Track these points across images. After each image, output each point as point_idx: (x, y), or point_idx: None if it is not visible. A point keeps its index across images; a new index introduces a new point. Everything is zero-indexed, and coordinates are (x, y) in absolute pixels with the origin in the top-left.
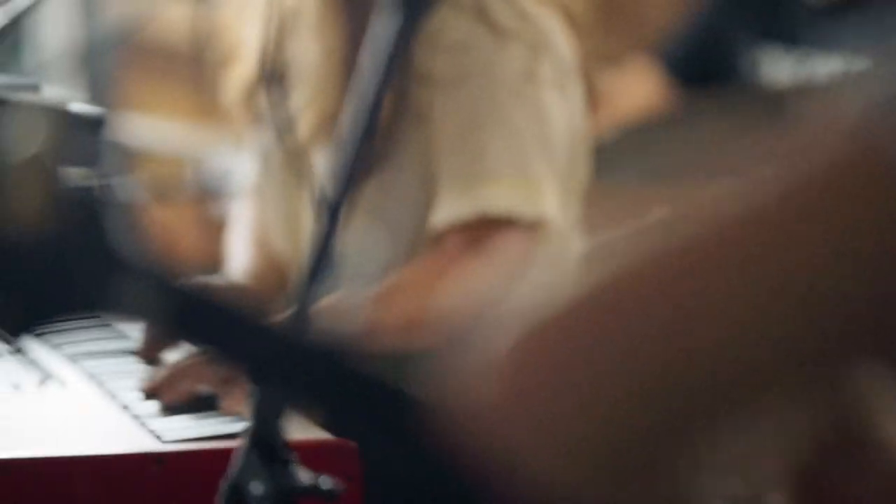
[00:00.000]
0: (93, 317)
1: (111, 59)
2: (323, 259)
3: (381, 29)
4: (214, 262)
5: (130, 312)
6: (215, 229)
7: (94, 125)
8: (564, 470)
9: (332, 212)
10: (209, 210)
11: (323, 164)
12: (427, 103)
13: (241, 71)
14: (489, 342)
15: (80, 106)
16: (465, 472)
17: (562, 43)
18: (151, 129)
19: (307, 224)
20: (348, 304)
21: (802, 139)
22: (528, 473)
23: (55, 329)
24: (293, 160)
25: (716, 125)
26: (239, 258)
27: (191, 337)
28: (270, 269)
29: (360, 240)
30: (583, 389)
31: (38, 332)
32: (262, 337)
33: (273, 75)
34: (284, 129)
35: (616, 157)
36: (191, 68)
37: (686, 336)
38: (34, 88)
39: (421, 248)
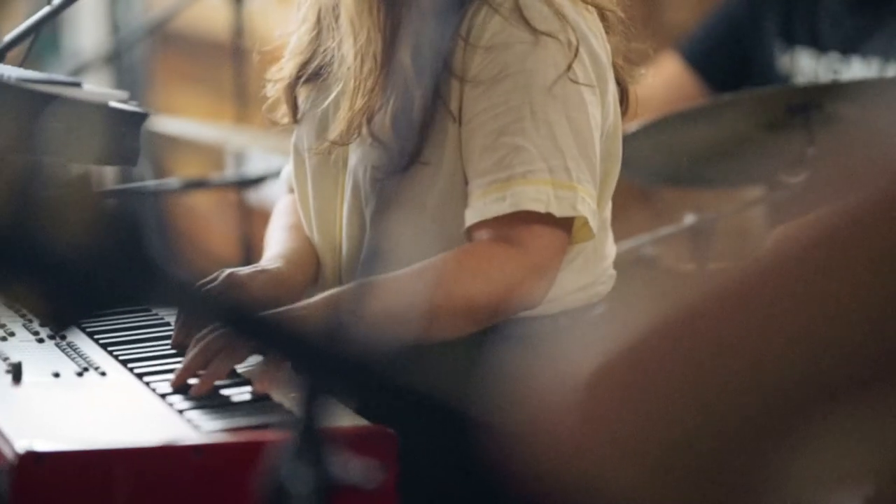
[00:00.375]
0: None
1: (142, 53)
2: (373, 255)
3: (423, 29)
4: (248, 250)
5: (170, 306)
6: (250, 219)
7: (135, 121)
8: (643, 494)
9: (380, 208)
10: (245, 202)
11: (358, 160)
12: (463, 101)
13: (285, 67)
14: (567, 369)
15: (122, 102)
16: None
17: (597, 42)
18: (187, 123)
19: (342, 219)
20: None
21: (853, 166)
22: (606, 497)
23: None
24: (329, 156)
25: (745, 126)
26: (276, 244)
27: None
28: (306, 254)
29: (395, 236)
30: (660, 415)
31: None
32: (307, 347)
33: (312, 72)
34: (322, 123)
35: (644, 157)
36: (226, 61)
37: (760, 359)
38: (76, 85)
39: (455, 244)
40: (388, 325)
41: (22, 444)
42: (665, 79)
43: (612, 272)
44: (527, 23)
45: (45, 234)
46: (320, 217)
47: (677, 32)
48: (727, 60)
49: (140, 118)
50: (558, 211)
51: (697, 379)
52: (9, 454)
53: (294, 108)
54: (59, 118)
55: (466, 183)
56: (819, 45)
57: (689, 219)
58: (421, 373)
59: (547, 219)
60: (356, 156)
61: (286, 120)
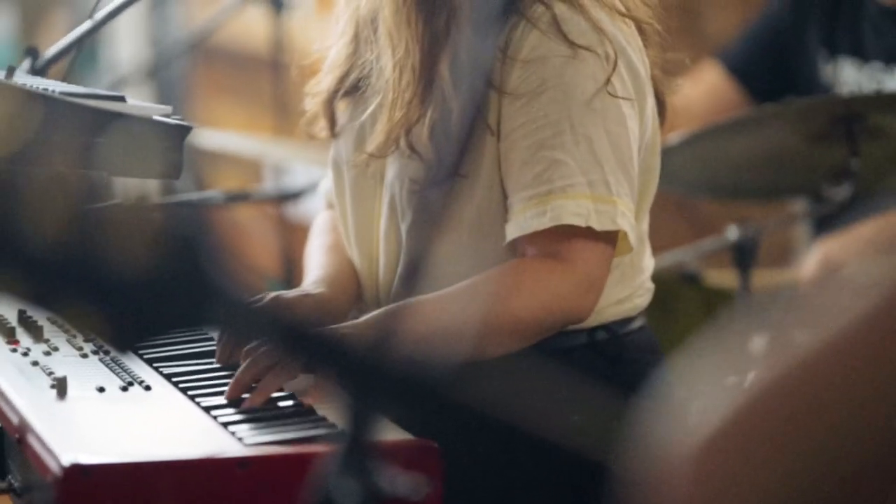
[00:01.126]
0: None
1: (181, 66)
2: (410, 270)
3: (462, 41)
4: (289, 264)
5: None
6: (290, 233)
7: (179, 134)
8: None
9: (428, 223)
10: (285, 215)
11: (395, 174)
12: (501, 114)
13: (324, 80)
14: (678, 439)
15: (165, 116)
16: None
17: (636, 55)
18: (225, 135)
19: (380, 234)
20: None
21: None
22: None
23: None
24: (367, 170)
25: (788, 137)
26: (318, 267)
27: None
28: (347, 276)
29: (432, 250)
30: (774, 484)
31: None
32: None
33: (351, 85)
34: (360, 136)
35: (686, 169)
36: (265, 74)
37: (877, 409)
38: (120, 100)
39: (491, 258)
40: (435, 345)
41: (67, 458)
42: (706, 88)
43: (650, 285)
44: (565, 36)
45: (104, 254)
46: (358, 231)
47: (716, 42)
48: (769, 69)
49: (183, 131)
50: (598, 225)
51: (815, 435)
52: (54, 468)
53: (332, 121)
54: (106, 133)
55: (504, 197)
56: (862, 54)
57: (732, 232)
58: (466, 388)
59: (588, 233)
60: (393, 169)
61: (324, 134)
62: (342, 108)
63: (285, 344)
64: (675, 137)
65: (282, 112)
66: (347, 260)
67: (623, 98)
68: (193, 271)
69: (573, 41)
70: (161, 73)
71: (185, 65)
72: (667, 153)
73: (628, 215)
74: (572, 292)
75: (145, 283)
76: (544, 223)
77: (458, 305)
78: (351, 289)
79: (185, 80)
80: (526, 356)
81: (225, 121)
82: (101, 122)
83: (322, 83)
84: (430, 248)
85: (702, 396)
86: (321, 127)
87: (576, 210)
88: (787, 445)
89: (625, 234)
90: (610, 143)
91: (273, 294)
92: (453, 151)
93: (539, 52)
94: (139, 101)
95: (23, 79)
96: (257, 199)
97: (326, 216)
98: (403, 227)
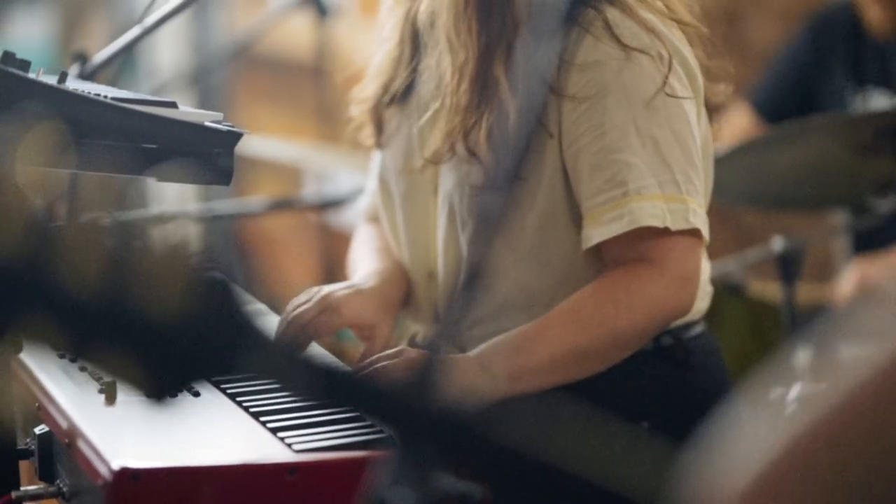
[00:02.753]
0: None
1: (223, 75)
2: (473, 279)
3: (524, 49)
4: (331, 272)
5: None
6: (332, 241)
7: (230, 141)
8: None
9: (479, 229)
10: (327, 223)
11: (455, 183)
12: (562, 119)
13: (368, 87)
14: (727, 476)
15: (216, 122)
16: None
17: (690, 56)
18: (266, 142)
19: (437, 245)
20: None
21: None
22: None
23: None
24: (419, 176)
25: (833, 149)
26: (367, 262)
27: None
28: (398, 273)
29: (496, 258)
30: None
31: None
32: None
33: (397, 92)
34: (411, 144)
35: (732, 179)
36: (305, 80)
37: None
38: (171, 106)
39: (554, 264)
40: (537, 375)
41: (117, 462)
42: (737, 130)
43: (710, 288)
44: (617, 40)
45: (140, 302)
46: (413, 243)
47: (759, 50)
48: (798, 106)
49: (235, 138)
50: (673, 224)
51: (865, 473)
52: (104, 472)
53: (379, 130)
54: (158, 139)
55: (567, 201)
56: (892, 84)
57: (777, 243)
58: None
59: (667, 231)
60: (452, 179)
61: (371, 142)
62: (388, 118)
63: (331, 395)
64: (721, 148)
65: (325, 119)
66: (396, 260)
67: (682, 97)
68: (228, 318)
69: (626, 44)
70: (202, 79)
71: (227, 71)
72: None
73: (700, 212)
74: (669, 293)
75: (180, 331)
76: (623, 227)
77: (555, 334)
78: (402, 284)
79: (226, 86)
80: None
81: (266, 127)
82: (153, 128)
83: (367, 89)
84: (491, 254)
85: (752, 424)
86: (367, 135)
87: (652, 211)
88: (835, 480)
89: (699, 230)
90: (676, 142)
91: (323, 292)
92: (511, 154)
93: (594, 56)
94: (190, 108)
95: (74, 84)
96: (300, 206)
97: (369, 230)
98: (464, 237)
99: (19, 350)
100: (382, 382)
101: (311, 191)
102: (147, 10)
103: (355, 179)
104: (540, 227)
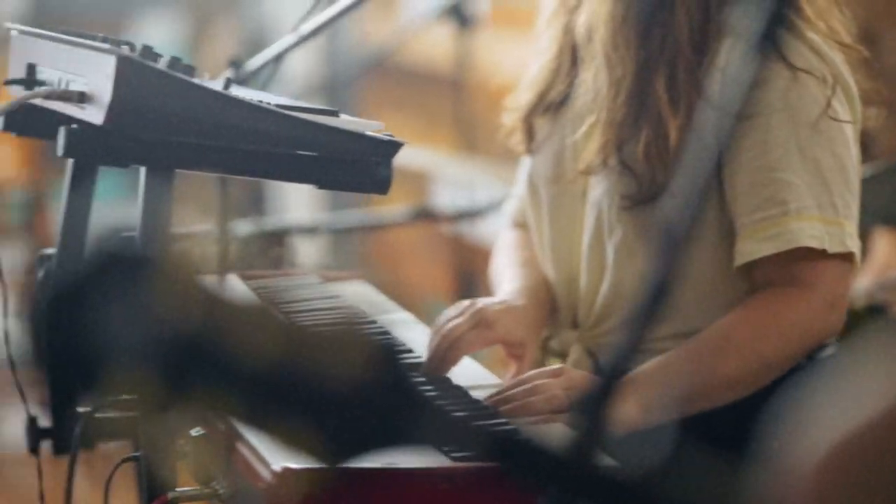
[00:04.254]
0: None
1: (358, 85)
2: (617, 288)
3: (678, 61)
4: (467, 285)
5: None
6: (468, 253)
7: (389, 150)
8: None
9: (674, 248)
10: (463, 234)
11: (604, 191)
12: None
13: (523, 96)
14: (796, 456)
15: (376, 131)
16: None
17: (850, 79)
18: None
19: (582, 252)
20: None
21: None
22: None
23: None
24: (569, 184)
25: None
26: (515, 278)
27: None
28: (544, 290)
29: (640, 268)
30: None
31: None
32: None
33: (550, 102)
34: (563, 153)
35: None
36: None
37: None
38: (333, 114)
39: (702, 273)
40: (687, 403)
41: (279, 463)
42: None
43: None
44: (784, 59)
45: (317, 373)
46: (557, 249)
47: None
48: None
49: (394, 147)
50: (830, 247)
51: None
52: (265, 474)
53: (530, 137)
54: (320, 147)
55: (717, 217)
56: None
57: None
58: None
59: (823, 254)
60: (602, 187)
61: (520, 148)
62: (540, 125)
63: (502, 460)
64: (864, 171)
65: (462, 129)
66: (543, 275)
67: (844, 121)
68: (398, 388)
69: (792, 63)
70: (333, 88)
71: (358, 79)
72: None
73: (854, 236)
74: (818, 317)
75: (353, 401)
76: (781, 246)
77: (712, 361)
78: (548, 303)
79: (357, 94)
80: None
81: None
82: (316, 135)
83: (521, 98)
84: (636, 265)
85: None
86: (517, 141)
87: (811, 232)
88: None
89: (853, 254)
90: (836, 164)
91: (478, 305)
92: (666, 168)
93: (761, 74)
94: (351, 117)
95: (238, 91)
96: (437, 217)
97: (515, 235)
98: (611, 245)
99: (196, 417)
100: (554, 437)
101: (444, 201)
102: (303, 19)
103: (491, 191)
104: (686, 240)
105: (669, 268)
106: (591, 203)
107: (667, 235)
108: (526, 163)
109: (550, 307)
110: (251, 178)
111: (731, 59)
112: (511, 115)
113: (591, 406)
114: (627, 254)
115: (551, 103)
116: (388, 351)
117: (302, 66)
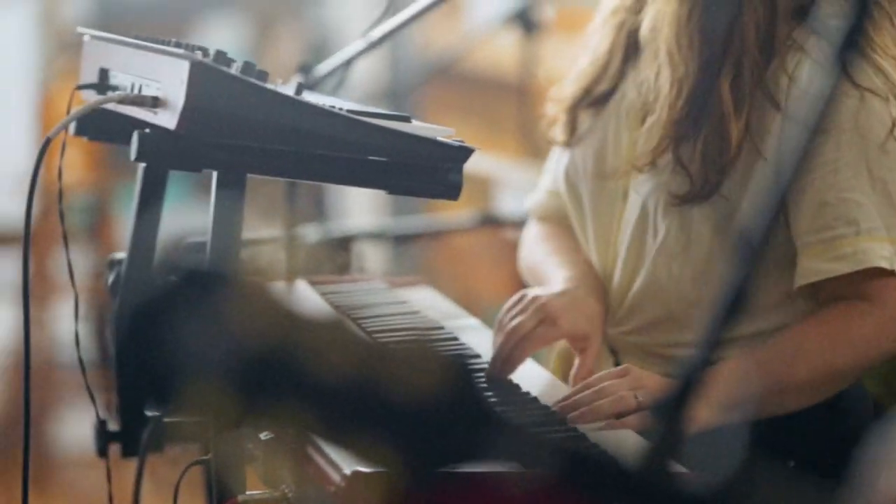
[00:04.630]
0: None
1: (421, 91)
2: (650, 285)
3: (742, 63)
4: (513, 288)
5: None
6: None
7: (460, 156)
8: None
9: (751, 255)
10: (515, 237)
11: (652, 188)
12: (781, 146)
13: (568, 88)
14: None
15: (448, 137)
16: None
17: None
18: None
19: (618, 248)
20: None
21: None
22: None
23: None
24: (610, 179)
25: None
26: (559, 264)
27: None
28: (594, 276)
29: (677, 268)
30: None
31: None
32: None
33: (596, 96)
34: (605, 148)
35: None
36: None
37: None
38: (405, 120)
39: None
40: (751, 407)
41: (350, 467)
42: None
43: None
44: (850, 78)
45: (392, 387)
46: (598, 243)
47: None
48: None
49: (465, 153)
50: None
51: None
52: (336, 478)
53: (572, 129)
54: (392, 153)
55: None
56: None
57: None
58: None
59: (892, 274)
60: (649, 186)
61: (561, 139)
62: (582, 118)
63: (572, 477)
64: None
65: (527, 136)
66: (590, 263)
67: None
68: (473, 404)
69: (858, 83)
70: (398, 94)
71: (421, 85)
72: None
73: None
74: (885, 332)
75: (428, 416)
76: (852, 265)
77: (781, 366)
78: (600, 289)
79: (420, 100)
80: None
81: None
82: (389, 141)
83: (566, 90)
84: (673, 265)
85: None
86: (558, 132)
87: (881, 252)
88: None
89: None
90: None
91: (540, 301)
92: (721, 170)
93: (832, 91)
94: (422, 123)
95: (310, 97)
96: (501, 222)
97: (546, 227)
98: (654, 242)
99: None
100: (625, 454)
101: (508, 207)
102: (373, 25)
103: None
104: (721, 245)
105: (747, 275)
106: (635, 201)
107: (744, 242)
108: (560, 156)
109: (603, 292)
110: (314, 184)
111: (802, 69)
112: (554, 105)
113: (667, 413)
114: (667, 254)
115: (597, 97)
116: (460, 365)
117: (366, 72)
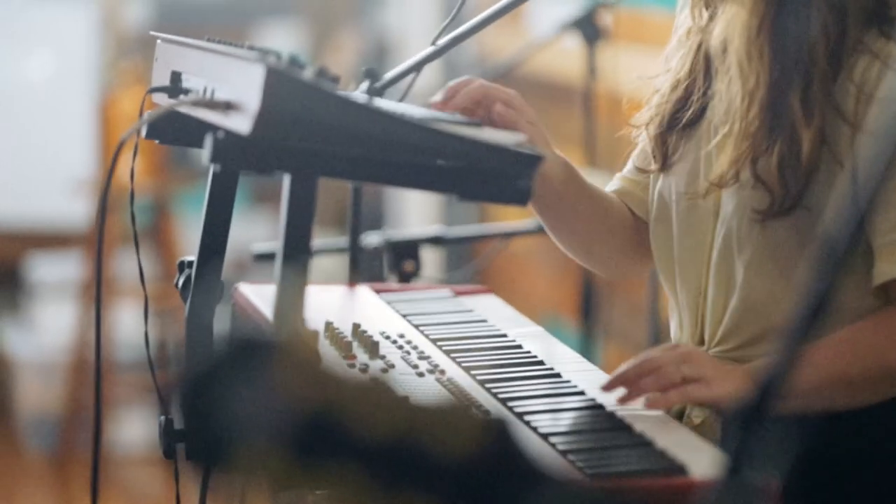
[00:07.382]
0: None
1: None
2: (745, 302)
3: (812, 74)
4: (588, 302)
5: None
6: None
7: (531, 163)
8: None
9: (834, 263)
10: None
11: (736, 206)
12: (858, 151)
13: (654, 114)
14: None
15: (518, 144)
16: None
17: None
18: None
19: (710, 267)
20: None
21: None
22: None
23: None
24: (699, 204)
25: None
26: None
27: None
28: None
29: (769, 284)
30: None
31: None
32: None
33: (685, 120)
34: (696, 168)
35: None
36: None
37: None
38: (476, 126)
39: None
40: (802, 398)
41: None
42: None
43: None
44: None
45: (432, 446)
46: (685, 265)
47: None
48: None
49: (535, 160)
50: None
51: None
52: None
53: (664, 155)
54: (463, 158)
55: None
56: None
57: None
58: None
59: None
60: (733, 202)
61: (654, 167)
62: (672, 142)
63: None
64: None
65: (589, 144)
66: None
67: None
68: (516, 462)
69: None
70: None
71: None
72: None
73: None
74: None
75: (470, 476)
76: None
77: (831, 358)
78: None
79: None
80: None
81: None
82: (460, 147)
83: (651, 116)
84: (767, 282)
85: None
86: (650, 160)
87: None
88: None
89: None
90: None
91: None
92: (800, 182)
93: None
94: (493, 129)
95: (381, 103)
96: None
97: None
98: (741, 262)
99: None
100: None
101: None
102: (441, 32)
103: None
104: (845, 256)
105: (829, 283)
106: (723, 219)
107: (827, 251)
108: (642, 153)
109: (580, 182)
110: (374, 192)
111: (872, 73)
112: (641, 132)
113: (746, 422)
114: (757, 271)
115: (687, 122)
116: (502, 425)
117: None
